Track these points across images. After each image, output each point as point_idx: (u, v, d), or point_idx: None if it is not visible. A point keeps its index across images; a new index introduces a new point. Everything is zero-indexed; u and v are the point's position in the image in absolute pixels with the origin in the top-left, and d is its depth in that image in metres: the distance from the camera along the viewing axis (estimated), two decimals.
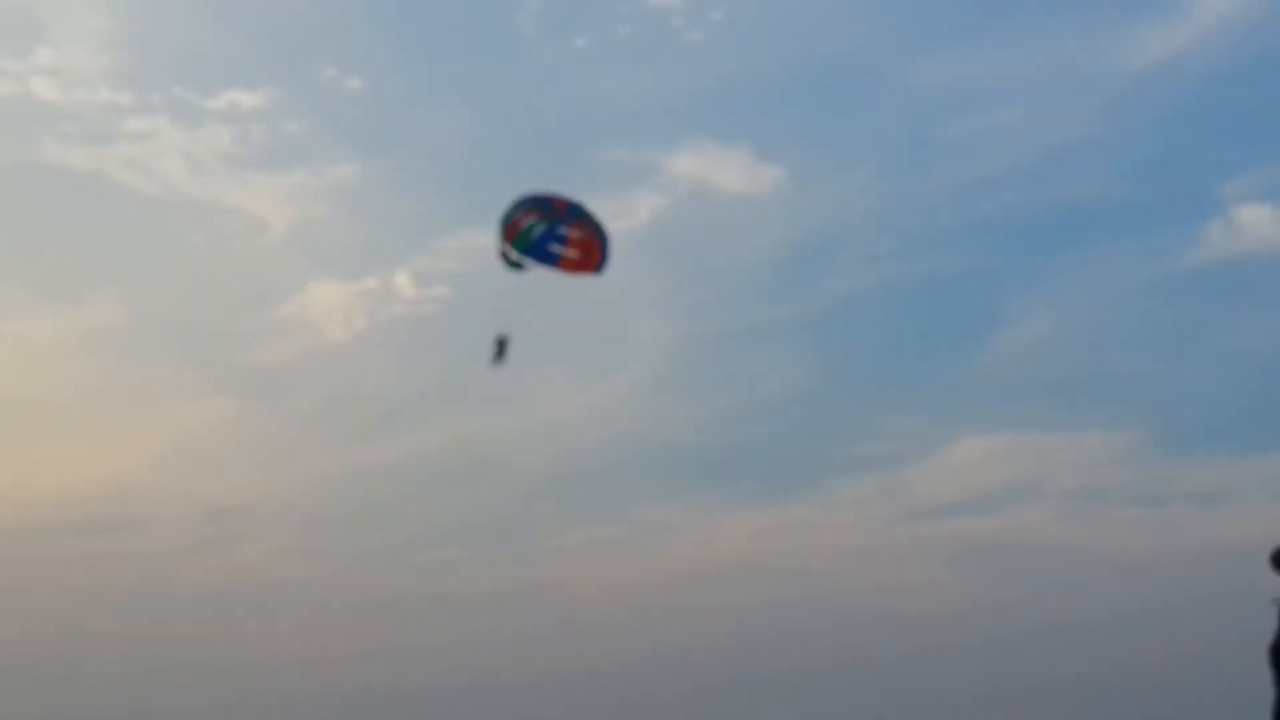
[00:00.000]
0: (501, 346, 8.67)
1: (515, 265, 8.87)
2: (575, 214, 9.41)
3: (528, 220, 8.80)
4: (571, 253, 9.08)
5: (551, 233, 8.84)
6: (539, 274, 9.66)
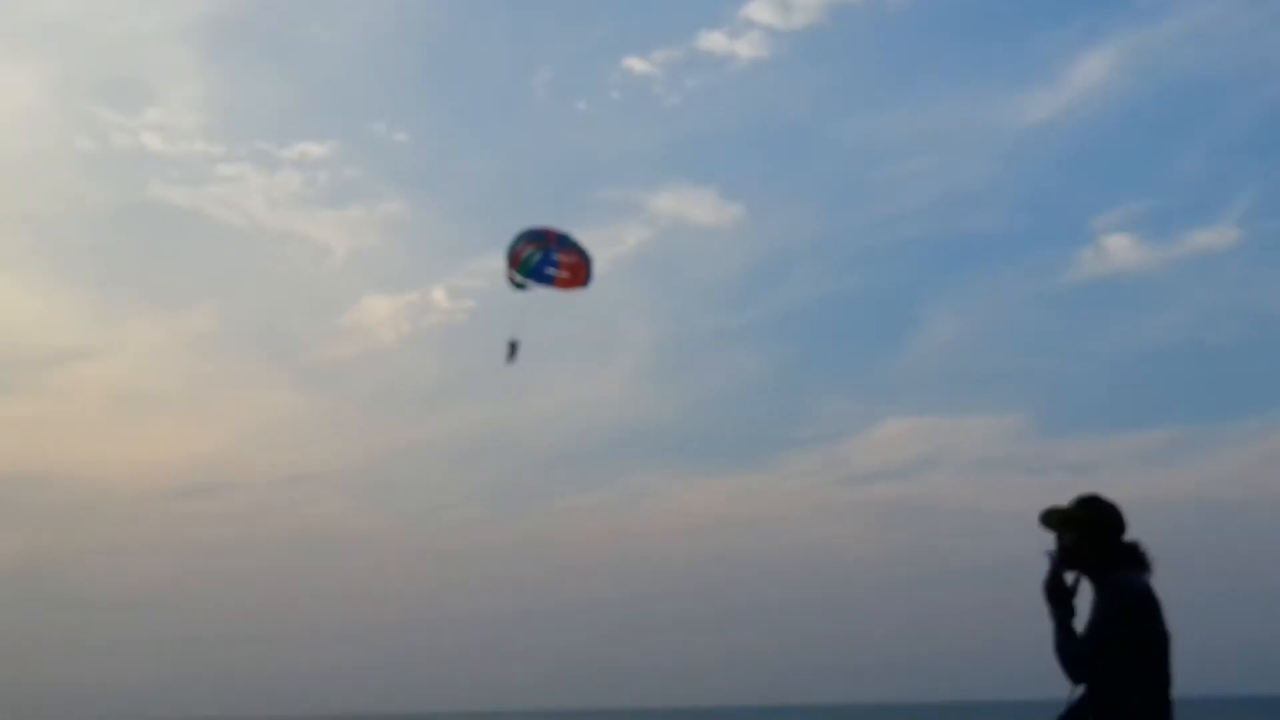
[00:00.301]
0: (513, 348, 11.28)
1: (520, 286, 11.59)
2: (564, 242, 12.23)
3: (527, 251, 11.44)
4: (563, 274, 11.82)
5: (546, 259, 11.48)
6: (540, 292, 12.36)
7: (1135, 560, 4.81)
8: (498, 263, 12.26)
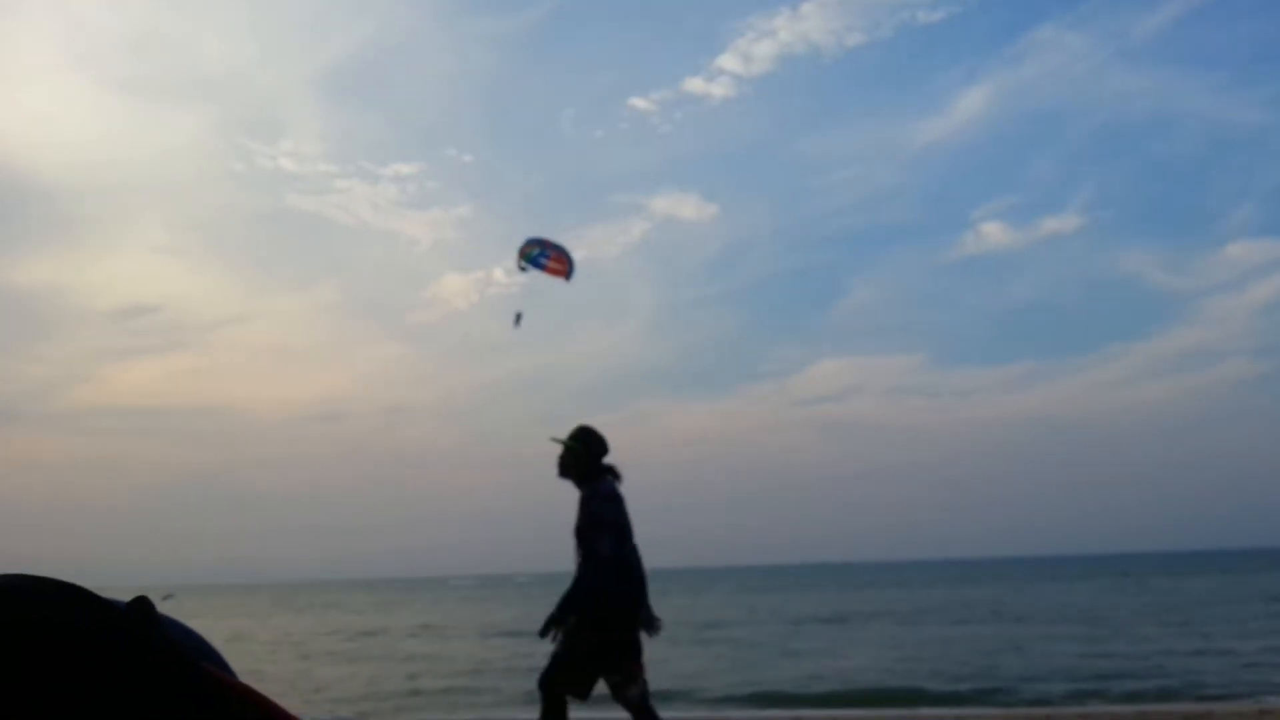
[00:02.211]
0: (518, 317, 13.96)
1: (523, 270, 14.34)
2: (556, 248, 15.01)
3: (531, 249, 14.27)
4: (553, 265, 14.52)
5: (543, 254, 14.28)
6: (536, 276, 15.20)
7: (610, 474, 6.70)
8: (559, 242, 15.12)
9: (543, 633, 6.25)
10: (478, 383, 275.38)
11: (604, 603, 6.33)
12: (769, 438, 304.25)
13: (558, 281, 15.60)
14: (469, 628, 44.64)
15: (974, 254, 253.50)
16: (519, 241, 11.77)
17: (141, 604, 0.86)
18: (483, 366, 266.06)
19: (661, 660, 27.10)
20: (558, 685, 6.28)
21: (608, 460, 6.68)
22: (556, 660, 6.34)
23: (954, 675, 21.07)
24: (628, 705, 6.34)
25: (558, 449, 6.72)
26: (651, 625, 6.69)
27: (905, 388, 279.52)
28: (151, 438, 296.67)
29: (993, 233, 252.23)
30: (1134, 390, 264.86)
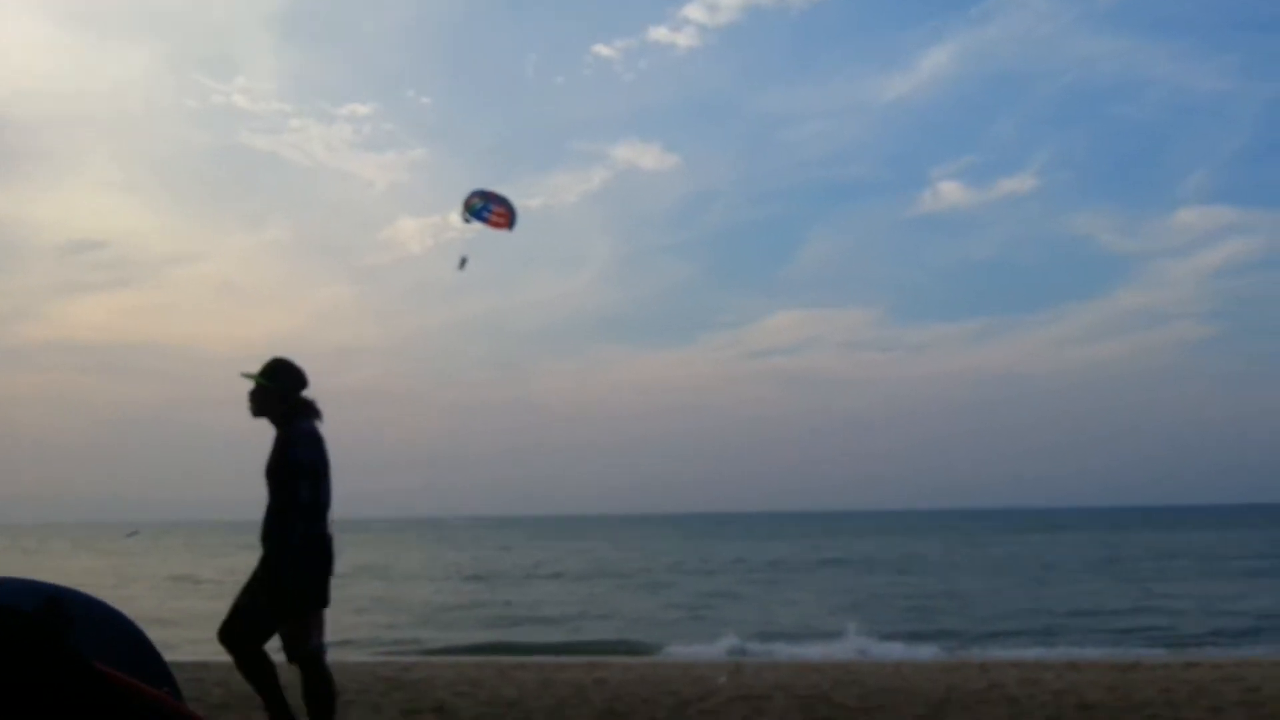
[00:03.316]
0: (463, 261, 14.06)
1: (467, 222, 14.44)
2: (500, 200, 15.09)
3: (475, 201, 14.38)
4: (496, 219, 14.60)
5: (486, 206, 14.43)
6: (478, 227, 15.35)
7: (310, 411, 6.00)
8: (503, 194, 15.24)
9: (274, 599, 5.71)
10: (432, 326, 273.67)
11: (295, 547, 5.78)
12: (725, 387, 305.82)
13: (511, 232, 15.96)
14: (411, 570, 45.04)
15: (933, 211, 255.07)
16: (477, 184, 11.94)
17: (51, 609, 0.80)
18: (437, 310, 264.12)
19: (608, 611, 27.56)
20: (237, 637, 5.80)
21: (308, 396, 6.07)
22: (238, 611, 5.87)
23: (887, 621, 21.73)
24: (303, 657, 5.84)
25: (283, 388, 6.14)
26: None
27: (862, 341, 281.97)
28: (102, 375, 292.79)
29: (951, 191, 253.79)
30: (1084, 348, 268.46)
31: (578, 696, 9.11)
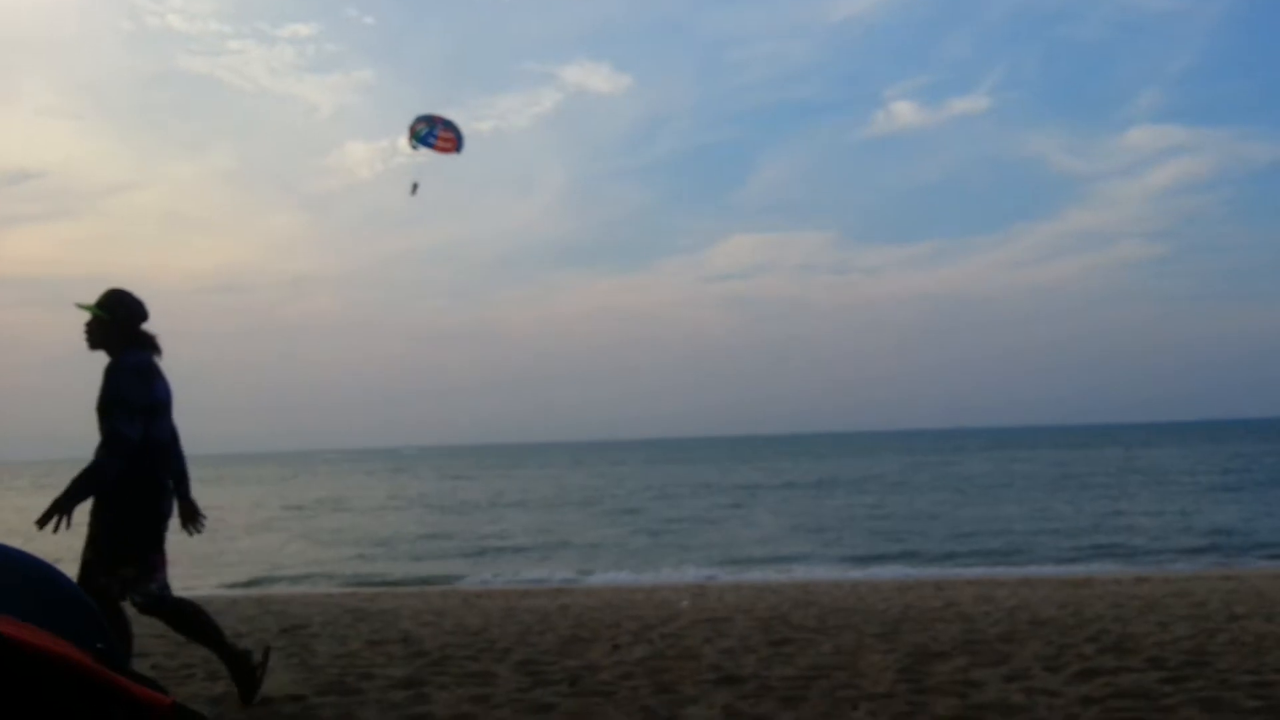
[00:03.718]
0: (414, 187, 14.14)
1: (414, 149, 14.40)
2: (446, 125, 15.07)
3: (420, 127, 14.35)
4: (443, 143, 14.71)
5: (431, 133, 14.48)
6: (425, 152, 15.17)
7: (147, 344, 5.69)
8: (448, 115, 15.08)
9: (41, 522, 5.13)
10: (385, 255, 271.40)
11: (124, 488, 5.47)
12: (682, 312, 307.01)
13: (463, 154, 15.89)
14: (373, 502, 45.16)
15: (885, 133, 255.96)
16: (425, 108, 11.87)
17: None
18: (390, 238, 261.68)
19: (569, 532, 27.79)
20: (99, 586, 5.40)
21: (147, 328, 5.74)
22: (86, 565, 5.49)
23: (846, 543, 22.14)
24: (144, 600, 5.58)
25: (89, 317, 5.76)
26: (192, 518, 5.99)
27: (815, 265, 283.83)
28: (42, 308, 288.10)
29: (904, 112, 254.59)
30: (1034, 269, 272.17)
31: (542, 624, 9.23)
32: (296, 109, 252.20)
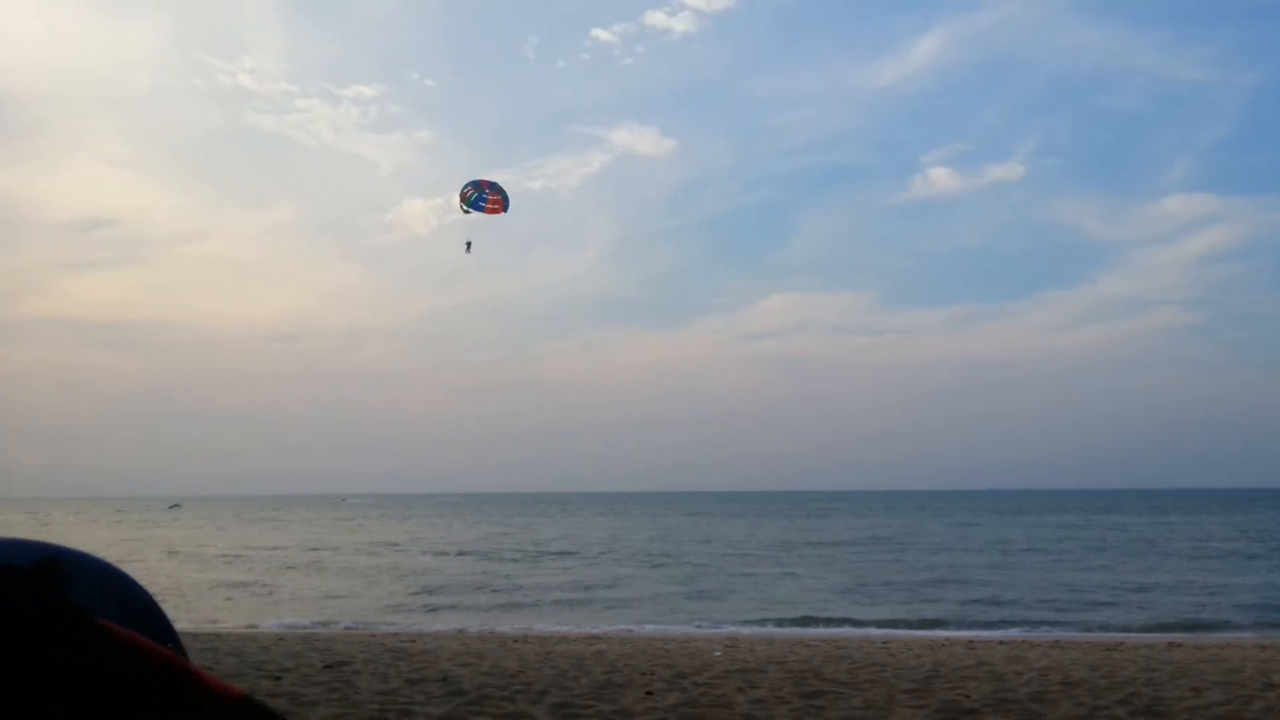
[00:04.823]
0: (468, 245, 14.83)
1: (466, 212, 15.10)
2: (492, 187, 15.89)
3: (470, 192, 15.00)
4: (491, 205, 15.34)
5: (481, 195, 15.03)
6: (476, 215, 15.71)
7: None
8: (501, 176, 16.17)
9: None
10: (437, 307, 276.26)
11: None
12: (720, 369, 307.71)
13: (514, 212, 16.69)
14: (422, 544, 45.38)
15: (922, 198, 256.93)
16: (480, 168, 12.39)
17: (47, 565, 0.85)
18: (442, 291, 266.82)
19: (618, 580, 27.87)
20: None
21: None
22: None
23: (879, 599, 22.07)
24: None
25: None
26: None
27: (851, 326, 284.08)
28: (108, 351, 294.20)
29: (941, 178, 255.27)
30: (1067, 334, 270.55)
31: (577, 668, 9.40)
32: (358, 166, 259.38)
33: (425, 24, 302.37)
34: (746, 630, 16.35)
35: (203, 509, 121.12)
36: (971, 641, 13.30)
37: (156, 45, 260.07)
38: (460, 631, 15.43)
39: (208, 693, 0.85)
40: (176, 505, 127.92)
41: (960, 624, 18.08)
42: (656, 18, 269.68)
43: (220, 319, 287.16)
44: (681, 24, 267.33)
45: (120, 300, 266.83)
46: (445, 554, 39.19)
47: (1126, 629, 17.24)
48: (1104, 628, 17.42)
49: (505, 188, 17.19)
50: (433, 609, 21.21)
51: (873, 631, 16.26)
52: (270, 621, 17.29)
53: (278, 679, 8.19)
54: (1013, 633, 16.09)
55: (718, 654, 10.76)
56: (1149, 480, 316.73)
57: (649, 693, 7.97)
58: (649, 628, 17.32)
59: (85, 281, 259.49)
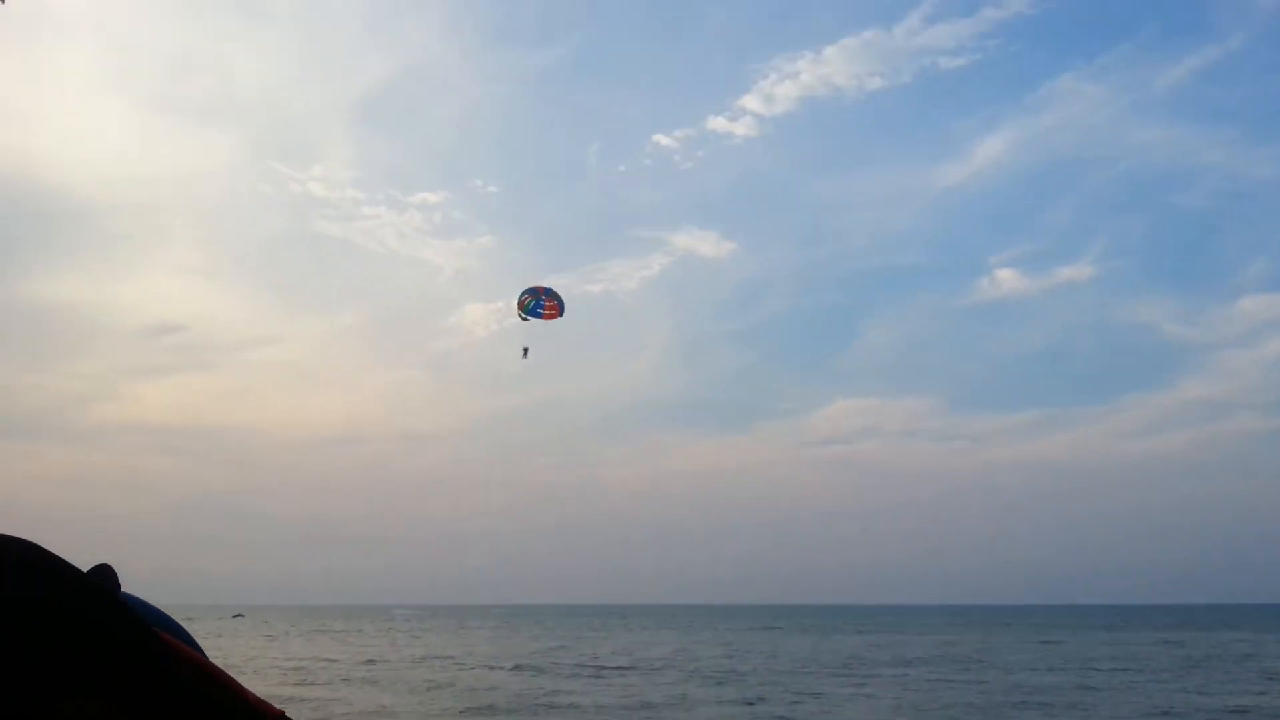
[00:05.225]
0: (525, 351, 14.81)
1: (524, 319, 15.24)
2: (548, 294, 16.14)
3: (527, 300, 15.14)
4: (549, 311, 15.53)
5: (538, 303, 15.18)
6: (534, 322, 15.97)
7: None
8: (561, 280, 16.68)
9: None
10: (495, 411, 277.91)
11: None
12: (781, 474, 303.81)
13: (573, 315, 16.91)
14: (478, 657, 44.50)
15: (989, 300, 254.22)
16: (540, 272, 12.27)
17: (103, 571, 0.92)
18: (502, 396, 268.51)
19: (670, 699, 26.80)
20: None
21: None
22: None
23: None
24: None
25: None
26: None
27: (919, 431, 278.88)
28: (176, 456, 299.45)
29: (1008, 279, 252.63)
30: (1146, 440, 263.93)
31: None
32: (421, 271, 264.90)
33: (490, 133, 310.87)
34: None
35: (262, 617, 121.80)
36: None
37: (229, 153, 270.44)
38: None
39: (250, 706, 0.92)
40: (240, 615, 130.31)
41: None
42: (718, 123, 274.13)
43: (284, 423, 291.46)
44: (743, 128, 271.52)
45: (187, 405, 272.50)
46: (500, 668, 38.29)
47: None
48: None
49: (563, 292, 17.64)
50: None
51: None
52: None
53: None
54: None
55: None
56: (1241, 594, 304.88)
57: None
58: None
59: (155, 386, 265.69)
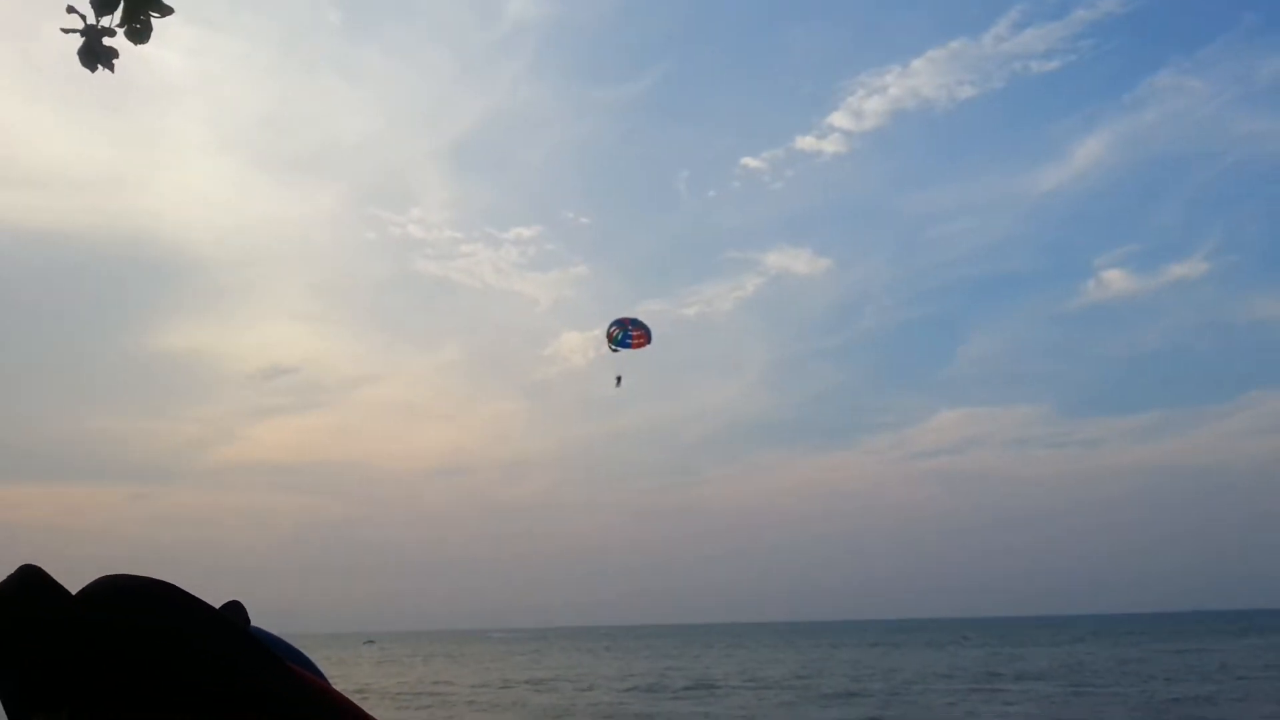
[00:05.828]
0: (619, 380, 15.33)
1: (614, 350, 15.71)
2: (635, 324, 16.60)
3: (615, 331, 15.52)
4: (637, 341, 16.00)
5: (626, 334, 15.59)
6: (624, 352, 16.35)
7: None
8: (655, 307, 17.81)
9: None
10: (597, 436, 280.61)
11: None
12: (885, 490, 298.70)
13: (670, 339, 17.40)
14: (592, 679, 44.76)
15: (1097, 301, 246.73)
16: (633, 298, 12.65)
17: (234, 607, 0.99)
18: (602, 421, 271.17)
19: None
20: None
21: None
22: None
23: None
24: None
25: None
26: None
27: (1029, 439, 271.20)
28: (290, 492, 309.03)
29: (1115, 280, 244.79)
30: (1271, 438, 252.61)
31: None
32: (519, 304, 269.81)
33: (580, 166, 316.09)
34: None
35: (391, 644, 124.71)
36: None
37: (333, 202, 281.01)
38: None
39: None
40: (371, 641, 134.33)
41: None
42: (806, 142, 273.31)
43: (393, 457, 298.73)
44: (832, 145, 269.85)
45: (303, 443, 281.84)
46: (617, 688, 38.49)
47: None
48: None
49: (657, 316, 18.35)
50: None
51: None
52: None
53: None
54: None
55: None
56: None
57: None
58: None
59: (271, 426, 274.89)
